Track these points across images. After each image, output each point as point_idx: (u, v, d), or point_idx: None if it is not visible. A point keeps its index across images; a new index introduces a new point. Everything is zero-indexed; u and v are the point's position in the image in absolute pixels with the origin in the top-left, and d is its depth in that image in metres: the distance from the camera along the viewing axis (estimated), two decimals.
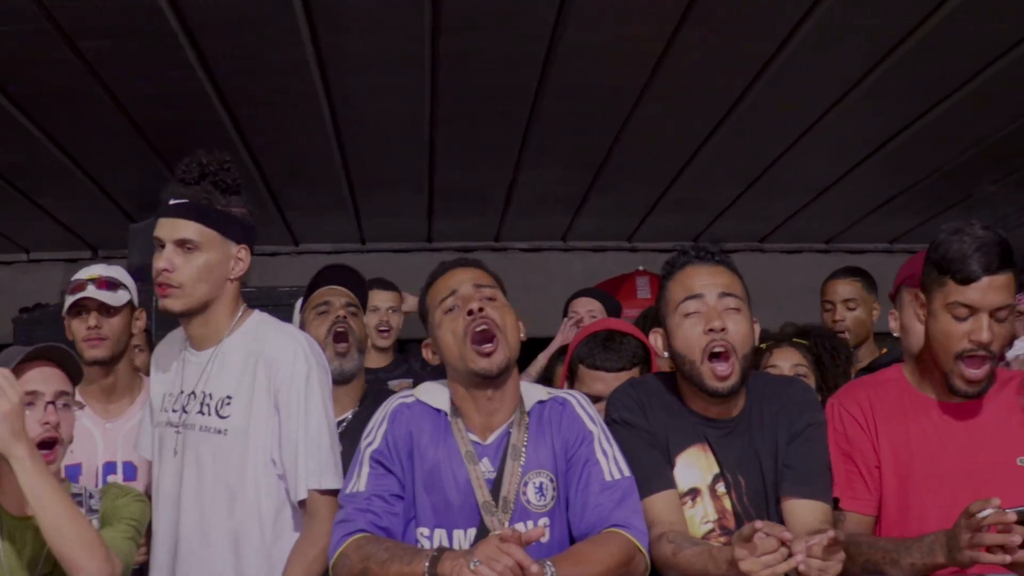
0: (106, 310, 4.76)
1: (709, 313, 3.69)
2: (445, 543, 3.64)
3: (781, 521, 3.70)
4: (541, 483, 3.69)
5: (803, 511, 3.69)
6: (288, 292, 7.88)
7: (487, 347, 3.65)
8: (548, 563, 3.35)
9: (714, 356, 3.70)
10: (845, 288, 6.10)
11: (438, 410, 3.78)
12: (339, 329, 4.87)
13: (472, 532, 3.64)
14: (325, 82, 6.68)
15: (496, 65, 6.48)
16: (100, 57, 6.26)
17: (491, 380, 3.69)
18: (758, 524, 3.23)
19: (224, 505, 3.93)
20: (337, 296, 4.97)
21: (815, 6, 5.74)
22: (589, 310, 5.93)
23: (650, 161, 8.43)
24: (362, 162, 8.35)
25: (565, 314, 6.19)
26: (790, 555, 3.20)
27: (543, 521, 3.64)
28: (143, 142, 7.51)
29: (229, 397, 3.97)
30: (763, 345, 5.01)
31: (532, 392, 3.87)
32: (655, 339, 3.87)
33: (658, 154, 8.26)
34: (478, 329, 3.66)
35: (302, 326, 4.96)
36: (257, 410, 3.98)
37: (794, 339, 5.03)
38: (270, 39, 6.07)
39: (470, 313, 3.67)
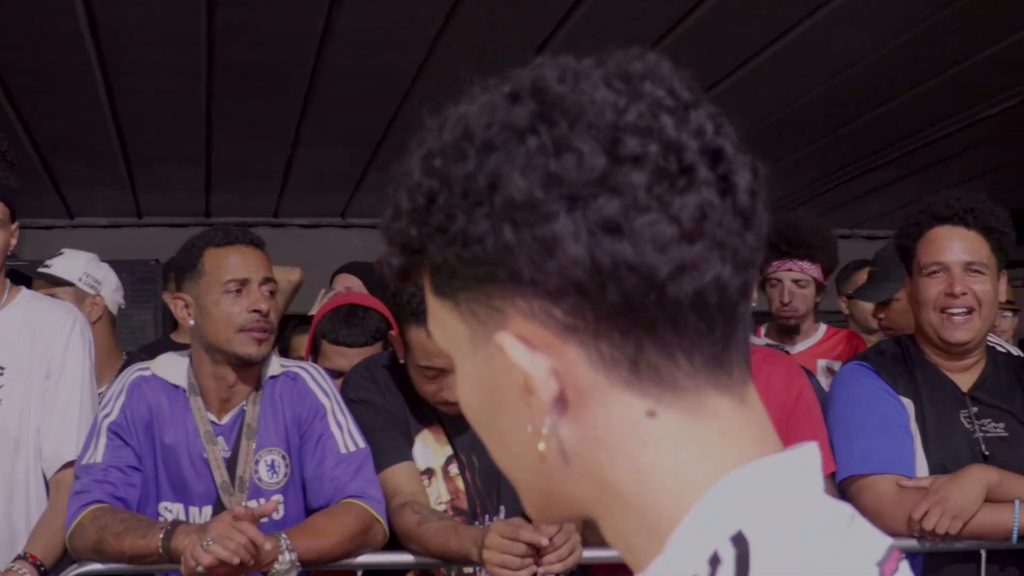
0: None
1: (434, 365, 3.73)
2: (183, 518, 3.66)
3: (513, 498, 3.78)
4: (273, 461, 3.73)
5: None
6: None
7: (259, 335, 3.69)
8: (283, 536, 3.38)
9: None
10: None
11: (176, 386, 3.79)
12: None
13: (208, 510, 3.69)
14: (100, 55, 6.58)
15: (273, 40, 6.45)
16: None
17: (248, 365, 3.73)
18: (542, 539, 3.30)
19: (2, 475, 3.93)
20: None
21: None
22: (346, 286, 5.90)
23: None
24: (138, 136, 8.24)
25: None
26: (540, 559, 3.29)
27: (276, 498, 3.68)
28: None
29: (2, 368, 3.95)
30: None
31: (265, 366, 3.87)
32: (394, 339, 3.91)
33: None
34: (256, 332, 3.69)
35: None
36: (35, 380, 3.97)
37: None
38: (44, 10, 5.96)
39: (256, 311, 3.68)
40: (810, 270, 5.31)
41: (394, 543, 3.72)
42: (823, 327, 5.64)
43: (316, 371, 3.96)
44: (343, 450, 3.75)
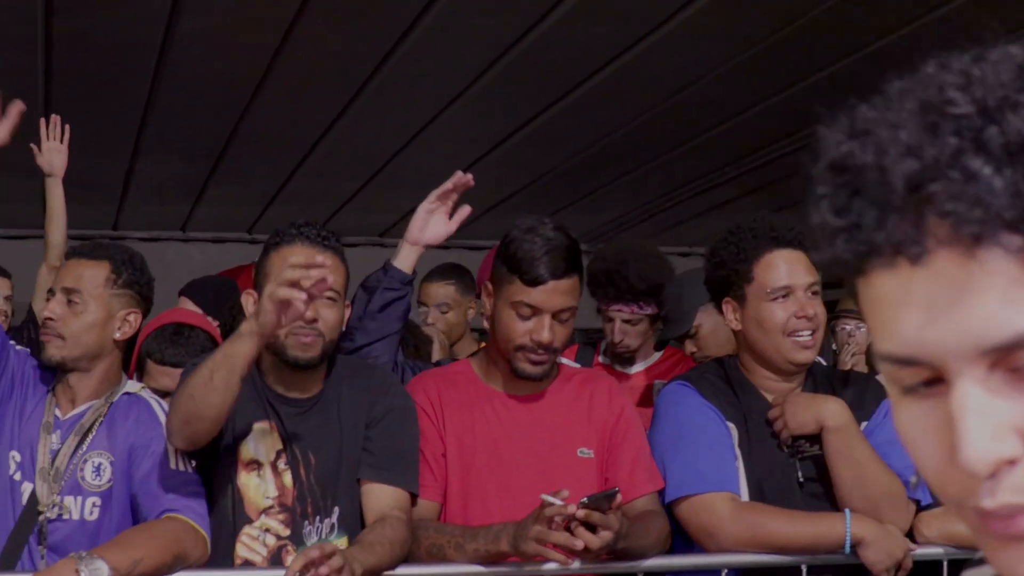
0: None
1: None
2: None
3: (355, 499, 3.83)
4: (100, 464, 3.92)
5: (377, 496, 3.82)
6: None
7: (44, 339, 3.98)
8: (79, 555, 3.46)
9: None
10: (439, 292, 6.15)
11: (46, 385, 4.06)
12: None
13: (29, 488, 3.90)
14: None
15: (112, 49, 6.36)
16: None
17: (60, 366, 3.99)
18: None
19: None
20: None
21: (431, 4, 5.83)
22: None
23: (270, 151, 8.41)
24: None
25: None
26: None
27: (93, 500, 3.85)
28: None
29: None
30: None
31: (127, 384, 4.11)
32: (247, 300, 3.92)
33: (278, 144, 8.25)
34: (43, 337, 3.99)
35: None
36: None
37: None
38: None
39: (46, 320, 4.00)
40: (642, 310, 5.25)
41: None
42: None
43: (159, 400, 4.13)
44: (173, 466, 3.83)
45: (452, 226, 4.40)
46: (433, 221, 4.38)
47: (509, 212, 10.35)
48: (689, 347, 5.47)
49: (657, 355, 5.52)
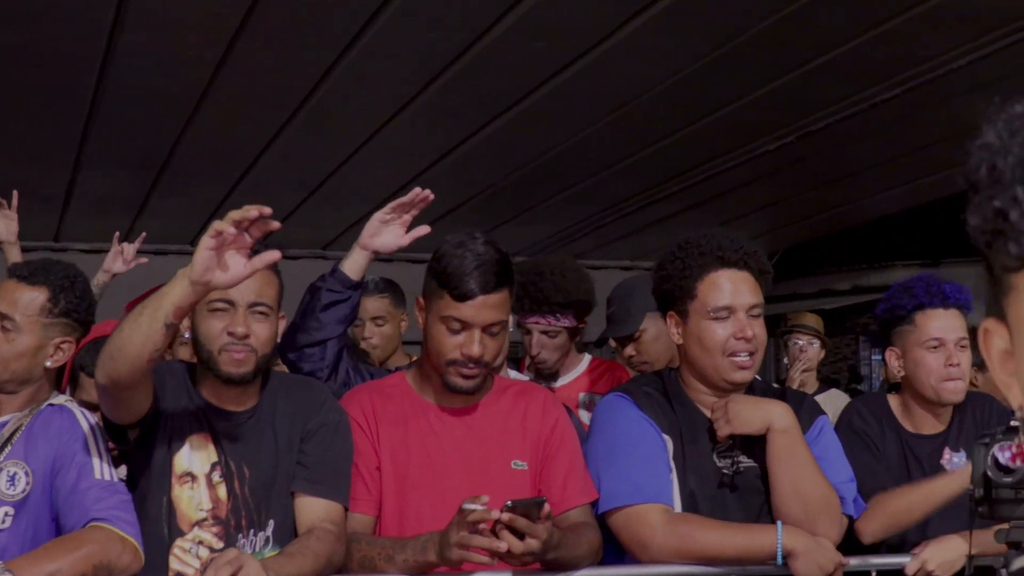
0: None
1: (235, 318, 3.75)
2: None
3: (290, 513, 3.86)
4: (14, 473, 3.89)
5: (310, 508, 3.82)
6: None
7: None
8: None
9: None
10: (374, 305, 6.18)
11: None
12: None
13: None
14: None
15: (54, 61, 6.36)
16: None
17: None
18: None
19: None
20: None
21: (372, 19, 5.86)
22: None
23: (213, 164, 8.41)
24: None
25: None
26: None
27: (5, 509, 3.81)
28: None
29: None
30: None
31: (53, 396, 4.07)
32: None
33: (221, 157, 8.25)
34: None
35: None
36: None
37: None
38: None
39: None
40: (560, 322, 5.29)
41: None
42: (587, 358, 5.65)
43: (85, 411, 4.08)
44: (98, 476, 3.80)
45: (405, 240, 4.38)
46: (387, 231, 4.38)
47: (451, 226, 10.32)
48: (629, 351, 5.46)
49: (582, 367, 5.54)
